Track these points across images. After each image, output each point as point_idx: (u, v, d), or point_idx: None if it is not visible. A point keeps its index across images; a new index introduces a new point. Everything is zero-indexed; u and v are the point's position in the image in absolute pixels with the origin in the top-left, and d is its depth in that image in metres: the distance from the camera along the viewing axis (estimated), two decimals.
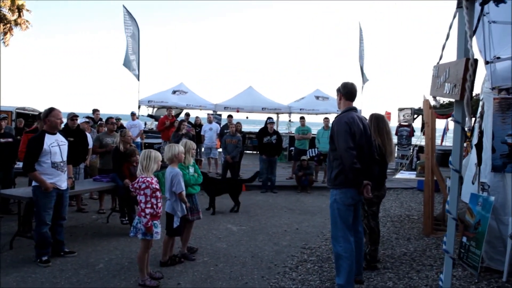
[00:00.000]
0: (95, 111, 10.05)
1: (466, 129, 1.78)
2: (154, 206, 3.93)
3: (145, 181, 3.89)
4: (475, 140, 6.37)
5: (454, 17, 1.91)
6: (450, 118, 12.60)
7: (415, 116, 13.75)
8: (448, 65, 1.90)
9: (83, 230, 5.83)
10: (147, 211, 3.86)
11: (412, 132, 13.31)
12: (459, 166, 1.93)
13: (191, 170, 4.77)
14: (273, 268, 4.53)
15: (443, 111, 12.47)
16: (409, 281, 4.16)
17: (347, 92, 3.81)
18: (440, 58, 2.16)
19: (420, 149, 10.45)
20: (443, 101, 15.35)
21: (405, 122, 13.23)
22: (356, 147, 3.54)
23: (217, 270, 4.42)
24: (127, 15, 14.56)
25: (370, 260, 4.48)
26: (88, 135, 7.04)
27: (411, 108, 13.27)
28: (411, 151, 12.57)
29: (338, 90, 3.90)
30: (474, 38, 1.93)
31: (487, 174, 4.62)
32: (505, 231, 4.40)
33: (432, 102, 2.27)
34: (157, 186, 3.98)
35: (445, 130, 13.14)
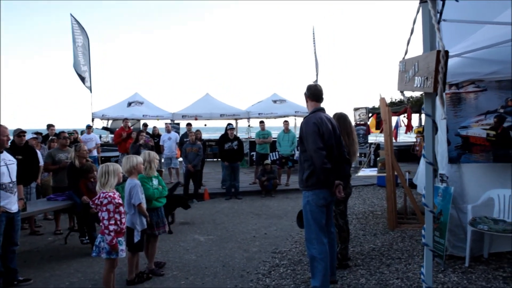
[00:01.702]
0: (49, 126, 9.45)
1: (441, 120, 1.80)
2: (118, 222, 3.72)
3: (107, 196, 3.67)
4: None
5: (418, 11, 1.94)
6: (403, 115, 13.18)
7: (370, 115, 14.23)
8: (417, 59, 1.92)
9: (39, 254, 5.41)
10: (111, 227, 3.63)
11: (368, 130, 13.75)
12: (433, 159, 1.96)
13: (155, 182, 4.58)
14: (246, 276, 4.43)
15: (395, 108, 13.01)
16: (381, 275, 4.22)
17: (312, 93, 3.83)
18: (406, 53, 2.20)
19: (377, 146, 10.80)
20: (395, 99, 16.05)
21: (361, 121, 13.64)
22: (326, 147, 3.53)
23: (188, 283, 4.25)
24: (76, 24, 13.92)
25: (341, 258, 4.50)
26: (38, 152, 6.58)
27: (365, 108, 13.72)
28: (368, 148, 12.97)
29: (304, 94, 3.91)
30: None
31: (444, 165, 4.82)
32: (464, 219, 4.60)
33: (402, 97, 2.31)
34: (120, 201, 3.78)
35: (398, 126, 13.70)
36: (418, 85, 1.87)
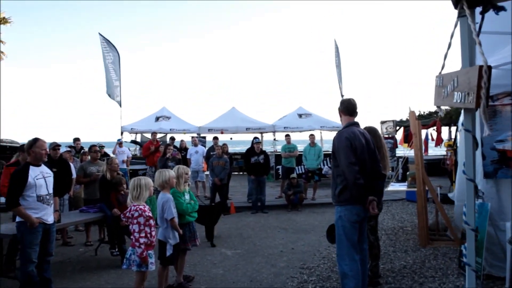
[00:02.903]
0: (76, 140, 9.79)
1: (484, 136, 1.74)
2: (148, 235, 3.76)
3: (138, 209, 3.73)
4: (460, 149, 6.48)
5: (456, 25, 1.91)
6: (432, 128, 12.86)
7: (397, 128, 13.96)
8: (456, 74, 1.88)
9: (71, 265, 5.54)
10: (142, 240, 3.68)
11: (395, 144, 13.48)
12: (473, 175, 1.90)
13: (187, 197, 4.62)
14: None
15: (424, 121, 12.71)
16: None
17: (345, 107, 3.81)
18: (442, 68, 2.15)
19: (406, 160, 10.56)
20: (424, 112, 15.71)
21: (388, 134, 13.40)
22: (359, 162, 3.49)
23: None
24: (105, 42, 14.45)
25: (372, 276, 4.38)
26: (71, 165, 6.80)
27: (393, 121, 13.48)
28: (396, 162, 12.69)
29: (338, 108, 3.89)
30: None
31: (480, 181, 4.65)
32: (503, 237, 4.39)
33: (439, 112, 2.26)
34: (150, 214, 3.83)
35: (427, 139, 13.37)
36: (458, 101, 1.82)
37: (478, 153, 4.66)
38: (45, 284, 4.38)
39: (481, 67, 1.65)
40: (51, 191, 4.34)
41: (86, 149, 8.42)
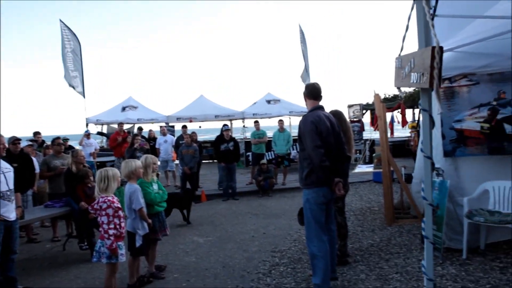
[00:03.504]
0: (36, 133, 9.39)
1: (437, 114, 1.82)
2: (118, 227, 3.71)
3: (106, 200, 3.66)
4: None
5: (412, 8, 1.97)
6: (397, 111, 13.27)
7: (364, 111, 14.30)
8: (412, 55, 1.95)
9: (37, 262, 5.38)
10: (111, 232, 3.63)
11: (362, 127, 13.81)
12: (430, 153, 1.98)
13: (155, 187, 4.56)
14: (246, 276, 4.44)
15: (389, 104, 13.08)
16: (380, 271, 4.25)
17: (310, 92, 3.86)
18: (401, 50, 2.22)
19: (373, 143, 10.86)
20: (388, 95, 16.16)
21: (355, 118, 13.71)
22: (324, 145, 3.55)
23: (189, 285, 4.26)
24: (66, 30, 13.84)
25: (341, 255, 4.52)
26: (34, 159, 6.53)
27: (359, 104, 13.78)
28: (364, 145, 13.04)
29: (303, 93, 3.92)
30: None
31: (439, 159, 4.86)
32: (461, 212, 4.65)
33: (399, 93, 2.33)
34: (119, 205, 3.77)
35: (393, 121, 13.79)
36: (415, 81, 1.89)
37: (438, 132, 4.86)
38: (10, 283, 4.24)
39: (433, 48, 1.71)
40: (11, 187, 4.17)
41: (49, 143, 8.11)
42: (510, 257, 4.33)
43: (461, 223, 4.62)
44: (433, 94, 1.70)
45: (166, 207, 4.75)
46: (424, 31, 1.88)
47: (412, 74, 1.92)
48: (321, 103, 3.90)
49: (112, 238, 3.61)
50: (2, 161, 4.21)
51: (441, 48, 1.70)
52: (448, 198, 4.61)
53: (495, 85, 4.67)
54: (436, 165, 4.93)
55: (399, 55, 2.23)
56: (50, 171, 6.35)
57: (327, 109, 4.16)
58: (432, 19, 1.84)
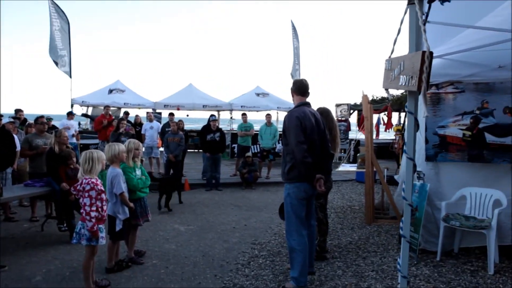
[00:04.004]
0: (18, 111, 9.18)
1: (423, 117, 1.87)
2: (100, 209, 3.69)
3: (90, 182, 3.63)
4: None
5: (405, 12, 2.01)
6: (383, 113, 13.44)
7: (351, 111, 14.44)
8: (403, 58, 1.99)
9: (14, 241, 5.31)
10: (92, 214, 3.60)
11: (349, 126, 13.96)
12: (413, 155, 2.04)
13: (138, 172, 4.54)
14: (225, 266, 4.48)
15: (376, 106, 13.23)
16: (357, 268, 4.36)
17: (297, 88, 3.89)
18: (392, 52, 2.27)
19: (358, 143, 11.01)
20: (376, 97, 16.34)
21: (342, 117, 13.85)
22: (308, 141, 3.60)
23: (168, 272, 4.27)
24: (53, 8, 13.52)
25: (320, 251, 4.61)
26: (15, 137, 6.41)
27: (347, 104, 13.91)
28: (349, 145, 13.19)
29: (291, 88, 3.96)
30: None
31: (421, 163, 4.98)
32: (438, 215, 4.78)
33: (387, 95, 2.38)
34: (102, 188, 3.74)
35: (379, 123, 13.97)
36: (403, 84, 1.94)
37: (422, 137, 4.97)
38: None
39: (424, 52, 1.76)
40: None
41: (31, 121, 7.96)
42: (481, 261, 4.49)
43: (437, 226, 4.75)
44: (420, 97, 1.76)
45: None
46: (416, 36, 1.93)
47: (401, 76, 1.97)
48: (308, 100, 3.94)
49: (93, 220, 3.59)
50: None
51: (431, 53, 1.75)
52: (427, 201, 4.73)
53: (480, 95, 4.79)
54: (418, 169, 5.05)
55: (389, 57, 2.27)
56: (31, 149, 6.24)
57: (315, 106, 4.21)
58: (424, 24, 1.89)
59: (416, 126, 1.96)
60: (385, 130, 13.48)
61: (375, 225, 6.14)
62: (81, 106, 14.65)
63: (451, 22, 3.99)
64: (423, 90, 1.75)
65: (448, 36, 4.70)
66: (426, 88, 1.73)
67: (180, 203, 7.64)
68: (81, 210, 3.66)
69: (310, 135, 3.65)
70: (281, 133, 3.89)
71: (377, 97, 18.37)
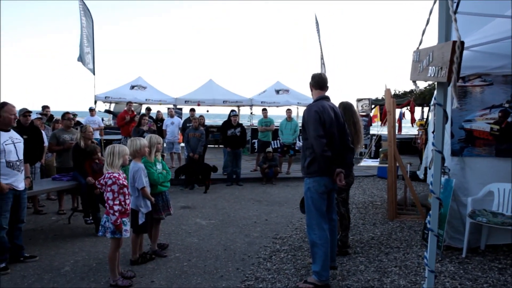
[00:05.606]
0: (45, 107, 9.44)
1: (453, 108, 1.82)
2: (123, 203, 3.76)
3: (112, 177, 3.70)
4: (431, 127, 6.71)
5: (434, 2, 1.96)
6: (406, 108, 13.19)
7: (372, 106, 14.21)
8: (432, 49, 1.94)
9: (43, 233, 5.49)
10: (116, 208, 3.68)
11: (370, 122, 13.75)
12: (442, 147, 1.99)
13: (159, 167, 4.60)
14: (247, 259, 4.50)
15: (398, 101, 12.97)
16: (379, 263, 4.30)
17: (316, 82, 3.87)
18: (420, 43, 2.22)
19: (379, 138, 10.83)
20: (398, 91, 16.02)
21: (363, 112, 13.64)
22: (327, 135, 3.57)
23: (190, 265, 4.33)
24: (82, 5, 13.79)
25: (341, 245, 4.58)
26: (43, 132, 6.60)
27: (369, 99, 13.69)
28: (370, 140, 13.00)
29: (309, 83, 3.93)
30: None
31: (446, 158, 4.85)
32: (464, 212, 4.66)
33: (414, 87, 2.33)
34: (125, 182, 3.81)
35: (401, 118, 13.71)
36: (432, 75, 1.89)
37: (447, 131, 4.85)
38: (17, 251, 4.36)
39: (454, 42, 1.71)
40: (21, 157, 4.24)
41: (57, 117, 8.17)
42: (509, 259, 4.36)
43: (463, 223, 4.64)
44: (449, 89, 1.71)
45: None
46: (446, 25, 1.87)
47: (430, 67, 1.92)
48: (327, 94, 3.90)
49: (117, 214, 3.67)
50: (13, 131, 4.27)
51: (462, 43, 1.69)
52: (452, 197, 4.62)
53: (509, 87, 4.63)
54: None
55: (417, 48, 2.22)
56: (59, 145, 6.42)
57: (336, 101, 4.16)
58: (455, 13, 1.83)
59: (445, 118, 1.91)
60: (412, 123, 13.13)
61: (397, 221, 6.04)
62: (104, 102, 14.94)
63: (478, 12, 3.87)
64: (453, 81, 1.70)
65: (475, 27, 4.57)
66: (457, 79, 1.68)
67: (205, 192, 8.33)
68: (105, 204, 3.74)
69: (329, 129, 3.62)
70: (301, 128, 3.86)
71: (399, 92, 18.02)
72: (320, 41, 15.18)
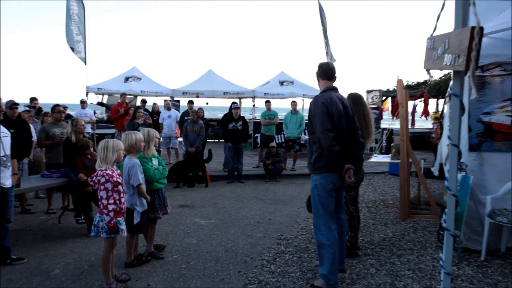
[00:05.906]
0: (33, 99, 9.46)
1: (471, 98, 1.79)
2: (117, 202, 3.76)
3: (105, 174, 3.70)
4: (446, 121, 6.68)
5: None
6: (419, 100, 13.11)
7: (383, 98, 14.17)
8: (448, 36, 1.92)
9: (31, 234, 5.52)
10: (110, 207, 3.69)
11: (381, 115, 13.70)
12: (458, 141, 1.98)
13: (155, 162, 4.60)
14: (250, 261, 4.51)
15: (411, 92, 12.88)
16: (391, 266, 4.30)
17: (323, 71, 3.83)
18: (434, 29, 2.19)
19: (391, 132, 10.80)
20: (412, 82, 15.90)
21: (374, 104, 13.60)
22: (335, 128, 3.54)
23: (189, 267, 4.34)
24: None
25: (351, 247, 4.57)
26: (31, 126, 6.63)
27: (379, 90, 13.64)
28: (381, 134, 12.98)
29: (316, 72, 3.91)
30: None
31: (463, 153, 4.83)
32: (482, 211, 4.64)
33: (428, 76, 2.31)
34: (119, 180, 3.81)
35: (414, 111, 13.62)
36: (448, 63, 1.87)
37: (464, 124, 4.82)
38: (3, 252, 4.38)
39: (473, 28, 1.69)
40: (8, 152, 4.26)
41: (47, 110, 8.19)
42: None
43: (481, 223, 4.62)
44: (466, 78, 1.69)
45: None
46: (463, 10, 1.85)
47: (446, 55, 1.90)
48: (335, 84, 3.88)
49: (111, 214, 3.66)
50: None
51: (481, 28, 1.67)
52: (470, 195, 4.60)
53: None
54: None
55: (431, 35, 2.19)
56: (48, 139, 6.42)
57: (345, 93, 4.14)
58: None
59: (462, 109, 1.89)
60: (422, 116, 13.09)
61: (410, 220, 6.03)
62: (96, 94, 14.96)
63: None
64: (472, 70, 1.68)
65: (495, 12, 4.51)
66: (475, 68, 1.67)
67: (206, 186, 8.79)
68: (99, 203, 3.75)
69: (338, 122, 3.59)
70: (307, 121, 3.85)
71: (412, 83, 17.92)
72: (325, 29, 15.11)
